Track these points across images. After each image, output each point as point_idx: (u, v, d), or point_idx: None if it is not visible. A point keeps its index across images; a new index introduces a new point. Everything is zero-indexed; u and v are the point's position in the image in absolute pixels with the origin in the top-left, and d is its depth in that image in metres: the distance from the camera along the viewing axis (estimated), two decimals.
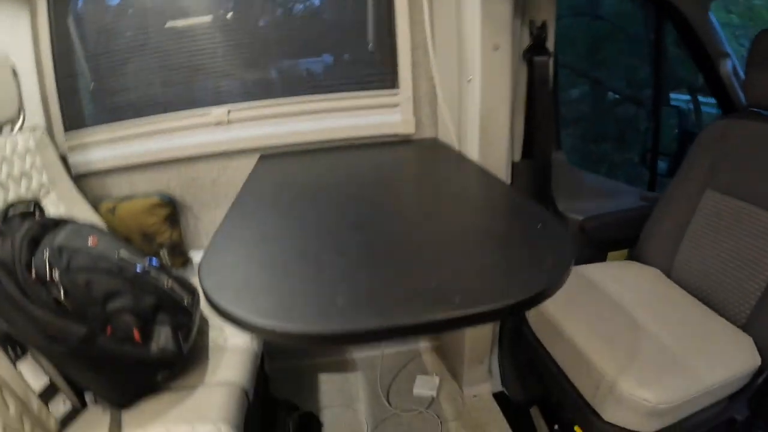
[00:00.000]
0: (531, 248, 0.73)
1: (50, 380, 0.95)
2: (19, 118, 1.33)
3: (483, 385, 1.61)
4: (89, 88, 1.52)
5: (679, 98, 2.30)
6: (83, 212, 1.34)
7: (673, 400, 0.88)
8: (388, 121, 1.57)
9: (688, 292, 1.20)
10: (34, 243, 0.94)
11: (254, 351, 1.15)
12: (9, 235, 0.93)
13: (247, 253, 0.81)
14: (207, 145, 1.52)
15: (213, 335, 1.17)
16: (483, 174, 1.18)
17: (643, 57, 2.69)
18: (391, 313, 0.57)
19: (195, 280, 1.14)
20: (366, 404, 1.61)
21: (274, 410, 1.59)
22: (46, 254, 0.90)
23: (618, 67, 3.25)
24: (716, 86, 1.46)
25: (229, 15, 1.51)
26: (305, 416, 1.57)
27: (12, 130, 1.29)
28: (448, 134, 1.44)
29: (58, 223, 1.03)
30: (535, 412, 1.50)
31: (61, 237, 0.96)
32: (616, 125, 3.38)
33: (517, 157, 1.42)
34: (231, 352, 1.12)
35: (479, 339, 1.51)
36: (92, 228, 1.06)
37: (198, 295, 1.13)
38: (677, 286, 1.23)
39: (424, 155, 1.47)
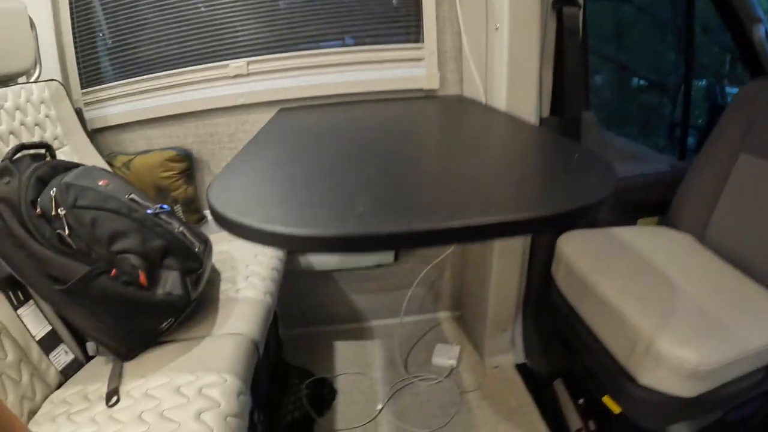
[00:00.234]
0: (570, 173, 0.66)
1: (52, 329, 0.93)
2: (35, 70, 1.32)
3: (505, 355, 1.54)
4: (107, 44, 1.50)
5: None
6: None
7: (714, 362, 0.81)
8: (413, 75, 1.51)
9: (723, 258, 1.12)
10: (42, 183, 0.91)
11: (268, 304, 1.09)
12: (17, 173, 0.91)
13: (261, 174, 0.76)
14: (225, 99, 1.49)
15: (224, 288, 1.12)
16: (513, 120, 1.12)
17: (669, 43, 2.65)
18: (424, 217, 0.52)
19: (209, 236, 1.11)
20: (383, 372, 1.56)
21: (286, 375, 1.56)
22: (53, 192, 0.88)
23: (644, 52, 3.15)
24: (748, 52, 1.39)
25: None
26: (319, 382, 1.54)
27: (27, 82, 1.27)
28: (474, 89, 1.38)
29: (68, 167, 1.00)
30: (558, 385, 1.42)
31: (70, 176, 0.93)
32: (640, 112, 3.29)
33: (546, 112, 1.35)
34: (242, 303, 1.06)
35: (503, 305, 1.45)
36: (104, 171, 1.03)
37: (210, 244, 1.08)
38: (712, 252, 1.15)
39: (450, 107, 1.41)
